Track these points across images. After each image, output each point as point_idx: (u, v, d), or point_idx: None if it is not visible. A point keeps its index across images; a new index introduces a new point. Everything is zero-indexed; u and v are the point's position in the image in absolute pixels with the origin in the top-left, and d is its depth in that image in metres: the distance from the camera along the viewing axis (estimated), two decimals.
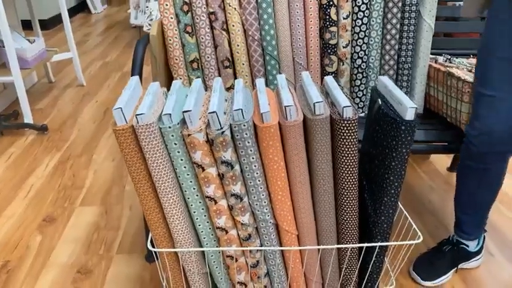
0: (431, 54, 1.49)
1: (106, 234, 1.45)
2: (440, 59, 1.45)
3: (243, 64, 1.32)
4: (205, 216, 0.93)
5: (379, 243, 0.96)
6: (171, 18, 1.25)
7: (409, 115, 0.84)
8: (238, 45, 1.30)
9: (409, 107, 0.83)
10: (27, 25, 2.76)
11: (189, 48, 1.30)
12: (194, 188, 0.89)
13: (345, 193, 0.93)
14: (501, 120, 1.01)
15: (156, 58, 1.24)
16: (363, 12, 1.24)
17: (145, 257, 1.34)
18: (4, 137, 2.13)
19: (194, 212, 0.92)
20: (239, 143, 0.85)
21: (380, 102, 0.95)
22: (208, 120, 0.83)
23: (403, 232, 1.09)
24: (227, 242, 0.95)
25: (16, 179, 1.77)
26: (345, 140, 0.86)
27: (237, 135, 0.84)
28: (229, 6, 1.25)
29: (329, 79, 1.00)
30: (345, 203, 0.94)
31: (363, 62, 1.30)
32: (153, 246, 0.95)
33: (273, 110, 0.88)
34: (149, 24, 3.67)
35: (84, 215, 1.54)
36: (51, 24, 4.52)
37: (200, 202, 0.91)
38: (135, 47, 1.18)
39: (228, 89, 1.38)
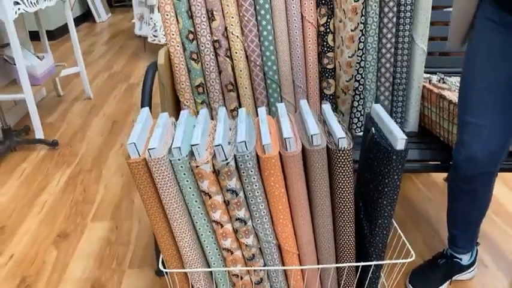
0: (427, 72, 1.56)
1: (117, 249, 1.52)
2: (434, 78, 1.51)
3: (246, 88, 1.39)
4: (212, 238, 1.00)
5: (375, 262, 1.03)
6: (178, 46, 1.33)
7: (400, 145, 0.91)
8: (241, 71, 1.37)
9: (399, 138, 0.90)
10: (34, 36, 2.82)
11: (195, 73, 1.38)
12: (202, 213, 0.97)
13: (342, 216, 0.99)
14: (484, 146, 1.08)
15: (163, 85, 1.31)
16: (359, 38, 1.31)
17: (156, 272, 1.41)
18: (17, 153, 2.21)
19: (202, 235, 0.99)
20: (243, 172, 0.92)
21: (373, 131, 1.02)
22: (214, 152, 0.90)
23: (398, 248, 1.15)
24: (233, 262, 1.02)
25: (29, 195, 1.85)
26: (340, 168, 0.93)
27: (241, 165, 0.91)
28: (232, 34, 1.32)
29: (326, 108, 1.07)
30: (342, 225, 1.01)
31: (360, 84, 1.37)
32: (164, 267, 1.03)
33: (274, 140, 0.95)
34: (154, 36, 3.75)
35: (96, 230, 1.62)
36: (58, 35, 4.61)
37: (207, 226, 0.99)
38: (144, 77, 1.25)
39: (232, 111, 1.45)
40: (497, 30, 1.00)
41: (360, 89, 1.38)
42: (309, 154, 0.92)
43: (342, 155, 0.91)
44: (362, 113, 1.42)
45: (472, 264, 1.35)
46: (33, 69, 2.37)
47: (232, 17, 1.30)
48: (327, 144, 0.93)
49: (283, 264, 1.05)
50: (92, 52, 4.18)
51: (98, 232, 1.61)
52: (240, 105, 1.43)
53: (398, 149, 0.91)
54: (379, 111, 1.03)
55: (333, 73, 1.38)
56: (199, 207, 0.96)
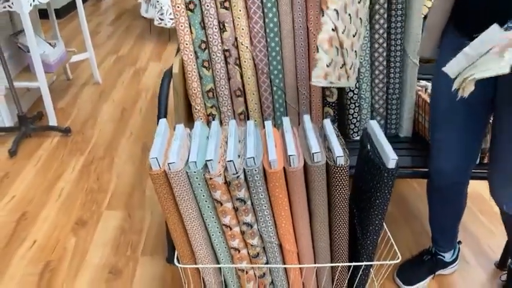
0: (423, 79, 1.66)
1: (131, 237, 1.66)
2: (430, 87, 1.61)
3: (253, 94, 1.49)
4: (221, 238, 1.13)
5: (365, 263, 1.16)
6: (191, 55, 1.42)
7: (391, 164, 1.02)
8: (249, 78, 1.46)
9: (391, 158, 1.01)
10: (43, 15, 2.82)
11: (206, 80, 1.47)
12: (213, 218, 1.09)
13: (338, 222, 1.12)
14: (450, 160, 1.20)
15: (177, 91, 1.41)
16: None
17: (167, 259, 1.55)
18: (32, 139, 2.32)
19: (213, 236, 1.12)
20: (251, 184, 1.04)
21: (368, 147, 1.13)
22: (226, 166, 1.02)
23: (388, 248, 1.28)
24: (239, 259, 1.16)
25: (46, 183, 1.98)
26: (338, 182, 1.05)
27: (250, 178, 1.03)
28: (242, 44, 1.41)
29: (327, 124, 1.18)
30: (337, 229, 1.13)
31: (354, 94, 1.47)
32: (179, 262, 1.16)
33: (279, 155, 1.06)
34: (160, 19, 3.79)
35: (110, 218, 1.75)
36: (64, 12, 4.64)
37: (218, 228, 1.11)
38: (160, 87, 1.35)
39: (239, 114, 1.55)
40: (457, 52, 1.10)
41: (354, 98, 1.48)
42: (310, 169, 1.04)
43: (340, 171, 1.03)
44: (358, 119, 1.53)
45: (455, 260, 1.49)
46: (46, 57, 2.46)
47: (243, 29, 1.39)
48: (326, 161, 1.04)
49: (284, 262, 1.18)
50: (98, 33, 4.23)
51: (112, 220, 1.74)
52: (247, 109, 1.54)
53: (389, 167, 1.02)
54: (375, 128, 1.14)
55: None
56: (211, 213, 1.08)
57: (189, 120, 1.57)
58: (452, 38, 1.12)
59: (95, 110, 2.68)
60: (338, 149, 1.04)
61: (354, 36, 1.26)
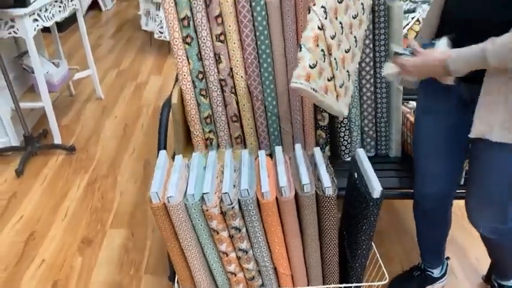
0: (413, 100, 1.73)
1: (134, 256, 1.73)
2: None
3: (249, 119, 1.57)
4: (219, 263, 1.21)
5: (354, 284, 1.24)
6: (189, 84, 1.49)
7: (376, 194, 1.09)
8: (244, 105, 1.54)
9: (376, 188, 1.08)
10: (46, 28, 2.86)
11: (204, 107, 1.55)
12: (211, 245, 1.17)
13: (328, 246, 1.19)
14: (433, 186, 1.28)
15: (176, 120, 1.49)
16: None
17: (168, 278, 1.63)
18: (37, 157, 2.40)
19: (211, 261, 1.20)
20: (245, 213, 1.11)
21: (356, 176, 1.20)
22: (221, 197, 1.09)
23: (377, 268, 1.35)
24: (236, 282, 1.23)
25: (53, 202, 2.06)
26: (326, 210, 1.12)
27: (244, 207, 1.10)
28: (237, 74, 1.49)
29: (317, 152, 1.25)
30: (328, 253, 1.21)
31: (344, 118, 1.54)
32: (179, 285, 1.23)
33: (271, 185, 1.14)
34: (160, 32, 3.87)
35: (114, 237, 1.83)
36: (66, 25, 4.72)
37: (215, 254, 1.19)
38: (160, 118, 1.42)
39: (236, 138, 1.62)
40: (438, 87, 1.16)
41: (345, 122, 1.55)
42: (300, 198, 1.11)
43: (328, 200, 1.10)
44: (348, 141, 1.60)
45: (443, 275, 1.56)
46: (50, 77, 2.54)
47: (237, 60, 1.46)
48: (315, 191, 1.11)
49: (278, 284, 1.25)
50: (99, 46, 4.31)
51: (116, 239, 1.82)
52: (243, 134, 1.61)
53: (375, 197, 1.09)
54: (362, 156, 1.21)
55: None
56: (208, 240, 1.15)
57: (189, 144, 1.65)
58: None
59: (98, 126, 2.76)
60: (326, 180, 1.12)
61: (346, 52, 1.18)
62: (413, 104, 1.70)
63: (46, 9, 2.32)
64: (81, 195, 2.11)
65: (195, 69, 1.48)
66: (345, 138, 1.59)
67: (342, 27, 1.11)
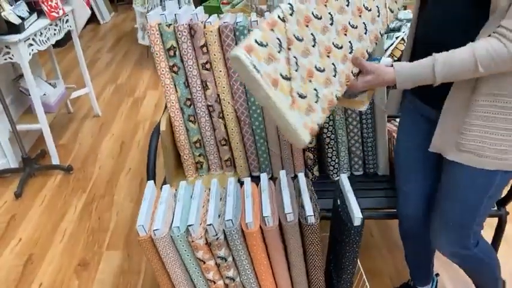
0: (398, 117, 1.75)
1: (130, 278, 1.77)
2: None
3: (237, 143, 1.60)
4: None
5: None
6: (177, 111, 1.53)
7: (357, 222, 1.12)
8: (232, 129, 1.57)
9: (356, 217, 1.11)
10: None
11: (192, 132, 1.58)
12: (198, 273, 1.20)
13: (313, 271, 1.22)
14: (416, 208, 1.30)
15: (166, 146, 1.52)
16: None
17: None
18: (36, 179, 2.45)
19: None
20: (230, 242, 1.14)
21: (338, 202, 1.23)
22: (206, 229, 1.12)
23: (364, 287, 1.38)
24: None
25: (51, 223, 2.10)
26: (310, 237, 1.15)
27: (229, 237, 1.13)
28: (224, 100, 1.52)
29: (301, 178, 1.28)
30: (314, 277, 1.23)
31: (331, 140, 1.57)
32: None
33: (256, 215, 1.16)
34: None
35: (111, 258, 1.86)
36: (64, 41, 4.77)
37: (203, 282, 1.22)
38: (149, 147, 1.46)
39: (226, 161, 1.66)
40: (414, 111, 1.21)
41: (331, 143, 1.58)
42: (284, 227, 1.14)
43: (311, 228, 1.13)
44: (336, 161, 1.63)
45: None
46: (47, 98, 2.58)
47: (224, 87, 1.49)
48: (298, 219, 1.14)
49: None
50: (98, 60, 4.36)
51: (112, 261, 1.85)
52: (232, 156, 1.64)
53: (355, 225, 1.12)
54: (345, 182, 1.24)
55: None
56: (195, 269, 1.18)
57: (179, 167, 1.68)
58: (410, 99, 1.23)
59: (95, 144, 2.80)
60: (309, 208, 1.14)
61: (318, 70, 0.98)
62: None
63: (41, 34, 2.36)
64: (79, 216, 2.14)
65: (182, 96, 1.52)
66: (333, 159, 1.62)
67: (314, 42, 0.97)
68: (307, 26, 0.96)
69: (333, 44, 0.99)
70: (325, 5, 1.00)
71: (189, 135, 1.59)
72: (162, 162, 1.57)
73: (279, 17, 0.92)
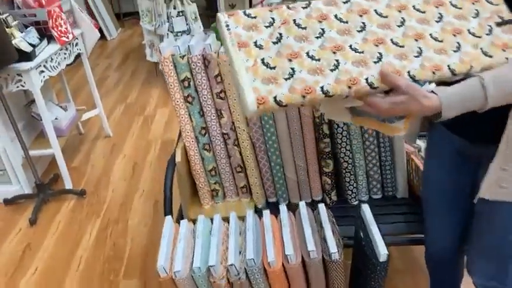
0: (419, 137, 1.72)
1: None
2: (423, 147, 1.67)
3: (253, 170, 1.58)
4: None
5: None
6: (192, 141, 1.51)
7: (383, 258, 1.09)
8: (247, 156, 1.55)
9: (381, 253, 1.08)
10: None
11: (208, 160, 1.57)
12: None
13: None
14: (443, 241, 1.26)
15: (181, 176, 1.50)
16: (341, 127, 1.48)
17: None
18: (50, 204, 2.44)
19: None
20: (252, 281, 1.12)
21: (361, 235, 1.20)
22: (228, 268, 1.10)
23: None
24: None
25: (66, 251, 2.08)
26: (333, 273, 1.12)
27: (251, 276, 1.11)
28: (239, 128, 1.50)
29: (321, 209, 1.25)
30: None
31: (348, 164, 1.54)
32: None
33: (278, 251, 1.14)
34: None
35: None
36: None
37: None
38: (165, 181, 1.44)
39: (241, 188, 1.64)
40: (444, 141, 1.14)
41: (349, 168, 1.55)
42: (307, 263, 1.11)
43: (335, 265, 1.10)
44: (355, 186, 1.60)
45: None
46: (59, 122, 2.59)
47: (238, 114, 1.48)
48: (322, 255, 1.12)
49: None
50: (106, 78, 4.38)
51: None
52: (248, 183, 1.62)
53: (381, 261, 1.09)
54: (367, 213, 1.21)
55: (330, 154, 1.55)
56: None
57: (195, 195, 1.66)
58: (440, 134, 1.14)
59: (107, 166, 2.80)
60: (332, 244, 1.12)
61: (310, 57, 0.86)
62: (418, 143, 1.69)
63: (52, 59, 2.37)
64: (94, 242, 2.13)
65: (197, 125, 1.50)
66: (351, 183, 1.59)
67: (321, 35, 0.88)
68: (320, 21, 0.89)
69: (350, 46, 0.86)
70: (361, 15, 0.90)
71: (204, 163, 1.57)
72: (176, 189, 1.55)
73: (287, 6, 0.89)
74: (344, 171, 1.57)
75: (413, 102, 0.80)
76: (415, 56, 0.84)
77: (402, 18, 0.89)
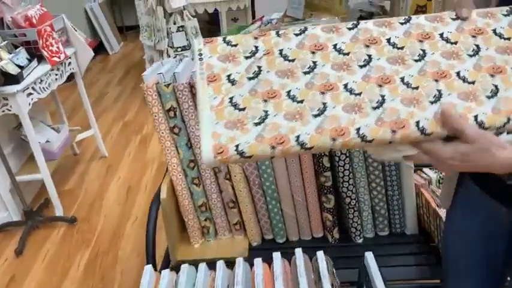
0: (426, 166, 1.58)
1: None
2: (434, 178, 1.53)
3: (247, 205, 1.44)
4: None
5: None
6: (179, 175, 1.39)
7: None
8: (241, 191, 1.42)
9: None
10: None
11: (197, 195, 1.44)
12: None
13: None
14: None
15: (167, 215, 1.37)
16: (343, 160, 1.34)
17: None
18: (39, 231, 2.32)
19: None
20: None
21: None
22: None
23: None
24: None
25: (54, 284, 1.96)
26: None
27: None
28: None
29: (320, 258, 1.11)
30: None
31: (352, 199, 1.40)
32: None
33: None
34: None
35: None
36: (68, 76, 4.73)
37: None
38: (149, 216, 1.32)
39: (234, 225, 1.50)
40: (474, 203, 0.95)
41: (352, 203, 1.41)
42: None
43: None
44: (359, 223, 1.46)
45: None
46: (50, 145, 2.48)
47: None
48: None
49: None
50: (106, 94, 4.29)
51: None
52: (242, 219, 1.49)
53: None
54: (371, 264, 1.07)
55: (331, 189, 1.41)
56: None
57: (183, 231, 1.53)
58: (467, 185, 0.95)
59: (101, 189, 2.68)
60: None
61: (291, 98, 0.72)
62: (427, 173, 1.56)
63: (41, 81, 2.27)
64: (82, 274, 2.01)
65: (185, 158, 1.38)
66: (355, 220, 1.45)
67: (311, 69, 0.73)
68: (313, 52, 0.74)
69: (345, 86, 0.70)
70: (367, 45, 0.73)
71: (193, 198, 1.45)
72: (160, 229, 1.42)
73: (277, 32, 0.75)
74: (347, 207, 1.43)
75: (484, 154, 0.62)
76: (431, 102, 0.68)
77: (422, 50, 0.72)
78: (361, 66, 0.71)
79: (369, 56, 0.72)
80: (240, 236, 1.52)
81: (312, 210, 1.46)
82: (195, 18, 3.89)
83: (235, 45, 0.74)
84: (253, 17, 4.81)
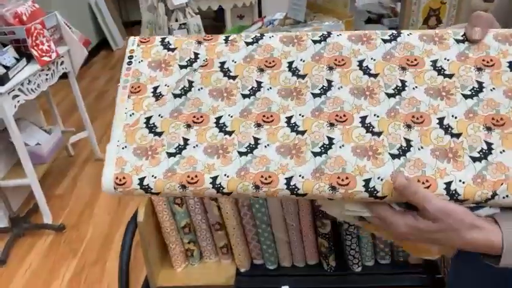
0: None
1: None
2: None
3: (234, 228, 1.31)
4: None
5: None
6: None
7: None
8: (227, 213, 1.29)
9: None
10: None
11: (180, 216, 1.31)
12: None
13: None
14: None
15: (145, 239, 1.25)
16: None
17: None
18: (25, 239, 2.22)
19: None
20: None
21: None
22: None
23: None
24: None
25: None
26: None
27: None
28: None
29: None
30: None
31: (350, 225, 1.27)
32: None
33: None
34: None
35: None
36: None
37: None
38: (123, 242, 1.20)
39: (221, 248, 1.38)
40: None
41: (350, 229, 1.28)
42: None
43: None
44: (357, 250, 1.33)
45: None
46: (39, 149, 2.38)
47: None
48: None
49: None
50: (106, 92, 4.19)
51: None
52: (229, 242, 1.36)
53: None
54: None
55: (327, 214, 1.28)
56: None
57: (165, 255, 1.41)
58: None
59: (93, 195, 2.57)
60: None
61: (219, 126, 0.59)
62: None
63: (29, 82, 2.16)
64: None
65: None
66: (353, 247, 1.31)
67: (253, 92, 0.60)
68: (261, 69, 0.59)
69: (287, 119, 0.56)
70: (331, 67, 0.57)
71: (176, 219, 1.32)
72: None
73: (226, 38, 0.63)
74: (344, 232, 1.30)
75: (449, 234, 0.50)
76: (392, 156, 0.51)
77: (402, 81, 0.55)
78: (315, 95, 0.57)
79: (329, 82, 0.57)
80: (228, 260, 1.40)
81: (306, 235, 1.33)
82: (198, 16, 3.76)
83: (173, 50, 0.62)
84: (260, 14, 4.67)
